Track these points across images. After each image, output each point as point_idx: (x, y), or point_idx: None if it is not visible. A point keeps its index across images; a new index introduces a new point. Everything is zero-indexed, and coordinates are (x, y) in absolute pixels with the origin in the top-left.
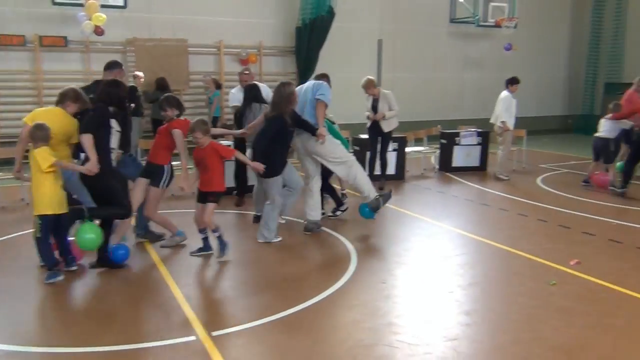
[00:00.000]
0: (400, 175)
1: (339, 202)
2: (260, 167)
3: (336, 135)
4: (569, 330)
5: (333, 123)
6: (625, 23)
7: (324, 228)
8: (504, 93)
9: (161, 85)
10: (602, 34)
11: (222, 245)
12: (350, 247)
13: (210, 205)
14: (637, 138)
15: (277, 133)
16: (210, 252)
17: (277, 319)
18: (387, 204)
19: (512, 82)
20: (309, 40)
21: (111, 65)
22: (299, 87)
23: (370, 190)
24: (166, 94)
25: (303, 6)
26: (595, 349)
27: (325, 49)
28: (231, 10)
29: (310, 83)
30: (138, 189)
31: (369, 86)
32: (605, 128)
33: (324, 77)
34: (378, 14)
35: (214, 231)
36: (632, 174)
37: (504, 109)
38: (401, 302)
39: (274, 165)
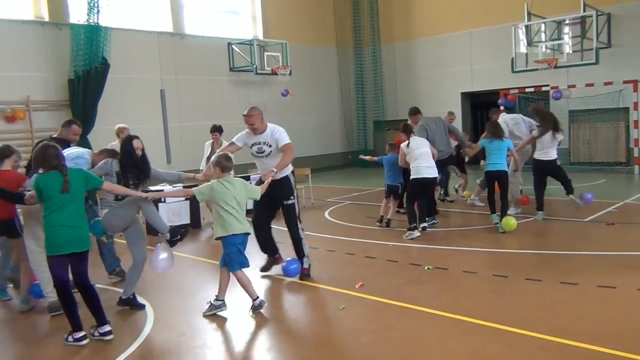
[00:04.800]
0: (197, 223)
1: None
2: None
3: None
4: (358, 350)
5: None
6: (381, 70)
7: (106, 287)
8: (207, 142)
9: None
10: (365, 80)
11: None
12: (145, 303)
13: None
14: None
15: None
16: None
17: None
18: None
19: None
20: (84, 92)
21: None
22: None
23: None
24: None
25: (74, 58)
26: None
27: (104, 100)
28: None
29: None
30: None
31: None
32: None
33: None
34: (157, 64)
35: None
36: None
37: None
38: (203, 353)
39: None
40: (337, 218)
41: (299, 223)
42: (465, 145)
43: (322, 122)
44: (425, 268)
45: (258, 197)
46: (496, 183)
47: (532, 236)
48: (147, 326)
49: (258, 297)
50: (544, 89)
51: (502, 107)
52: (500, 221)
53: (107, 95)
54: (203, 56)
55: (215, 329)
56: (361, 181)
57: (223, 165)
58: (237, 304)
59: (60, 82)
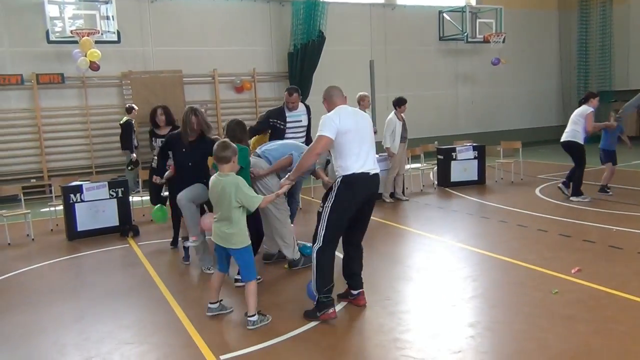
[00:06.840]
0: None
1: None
2: None
3: None
4: (573, 338)
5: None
6: (611, 33)
7: None
8: (390, 116)
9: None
10: (590, 45)
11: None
12: None
13: None
14: None
15: None
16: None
17: (284, 340)
18: None
19: (399, 104)
20: (301, 64)
21: None
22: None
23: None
24: None
25: (294, 32)
26: (599, 354)
27: (318, 72)
28: (224, 40)
29: None
30: None
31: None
32: None
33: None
34: (368, 36)
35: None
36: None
37: (388, 134)
38: (406, 318)
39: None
40: (549, 196)
41: (317, 238)
42: None
43: (536, 92)
44: None
45: (252, 209)
46: None
47: None
48: None
49: (219, 302)
50: None
51: None
52: None
53: (321, 67)
54: (412, 26)
55: (418, 298)
56: None
57: (215, 154)
58: (445, 276)
59: (281, 55)
